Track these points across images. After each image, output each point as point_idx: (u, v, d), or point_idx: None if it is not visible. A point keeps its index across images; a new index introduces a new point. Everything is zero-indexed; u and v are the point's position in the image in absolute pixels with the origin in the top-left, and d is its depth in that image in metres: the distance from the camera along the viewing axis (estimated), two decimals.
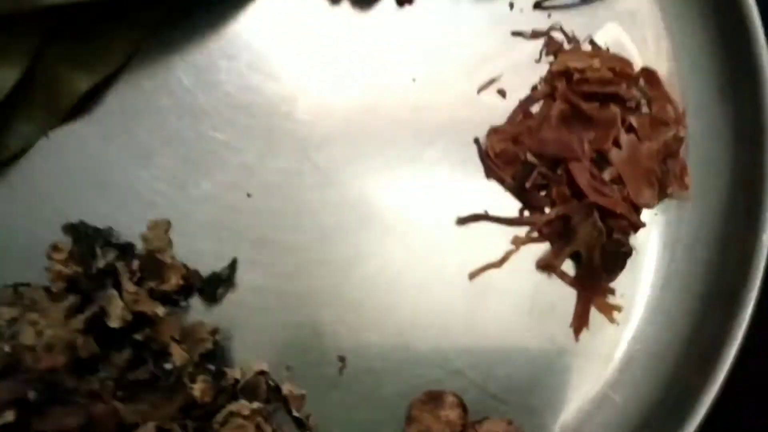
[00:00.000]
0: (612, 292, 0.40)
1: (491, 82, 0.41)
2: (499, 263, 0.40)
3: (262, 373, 0.37)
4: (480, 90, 0.41)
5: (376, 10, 0.42)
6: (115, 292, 0.35)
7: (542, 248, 0.40)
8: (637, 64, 0.42)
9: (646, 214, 0.41)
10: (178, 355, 0.35)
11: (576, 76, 0.40)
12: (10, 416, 0.32)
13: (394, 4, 0.42)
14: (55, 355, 0.34)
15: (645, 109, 0.41)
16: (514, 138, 0.40)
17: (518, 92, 0.41)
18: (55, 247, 0.36)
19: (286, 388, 0.37)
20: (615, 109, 0.40)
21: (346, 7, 0.42)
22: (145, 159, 0.39)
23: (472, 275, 0.40)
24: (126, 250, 0.38)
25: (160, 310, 0.36)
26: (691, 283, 0.40)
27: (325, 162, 0.40)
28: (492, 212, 0.40)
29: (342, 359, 0.38)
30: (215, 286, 0.38)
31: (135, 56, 0.40)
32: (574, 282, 0.40)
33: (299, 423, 0.37)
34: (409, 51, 0.41)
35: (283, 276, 0.39)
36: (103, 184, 0.39)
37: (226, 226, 0.39)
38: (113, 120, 0.39)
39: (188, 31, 0.40)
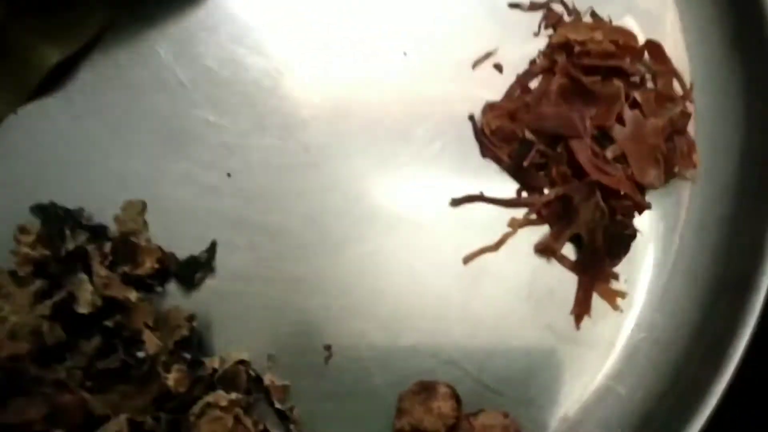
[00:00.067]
0: (615, 277, 0.40)
1: (487, 55, 0.41)
2: (495, 247, 0.39)
3: (242, 362, 0.36)
4: (475, 64, 0.41)
5: None
6: (85, 277, 0.35)
7: (541, 231, 0.40)
8: (641, 36, 0.41)
9: (651, 195, 0.40)
10: (151, 342, 0.34)
11: (577, 48, 0.40)
12: None
13: None
14: (19, 342, 0.33)
15: (650, 85, 0.41)
16: (512, 114, 0.40)
17: (516, 66, 0.41)
18: (22, 229, 0.35)
19: (268, 379, 0.36)
20: (618, 84, 0.40)
21: None
22: (120, 137, 0.38)
23: (467, 260, 0.39)
24: (98, 232, 0.37)
25: (133, 295, 0.35)
26: (699, 267, 0.40)
27: (311, 140, 0.39)
28: (488, 193, 0.40)
29: (328, 348, 0.37)
30: (193, 270, 0.37)
31: (110, 28, 0.39)
32: (574, 266, 0.39)
33: (282, 415, 0.36)
34: (400, 23, 0.41)
35: (265, 260, 0.38)
36: (74, 164, 0.38)
37: (205, 207, 0.38)
38: (86, 96, 0.39)
39: (166, 1, 0.39)
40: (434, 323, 0.38)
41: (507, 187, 0.40)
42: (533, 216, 0.39)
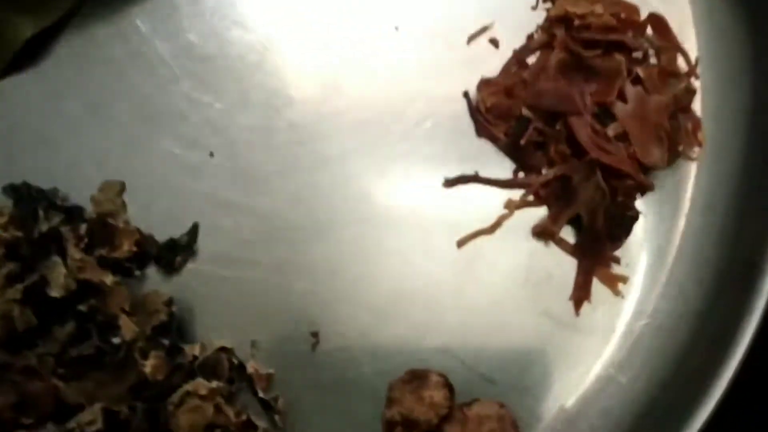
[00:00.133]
0: (616, 260, 0.39)
1: (483, 30, 0.40)
2: (491, 229, 0.39)
3: (224, 349, 0.35)
4: (470, 39, 0.40)
5: None
6: (58, 259, 0.34)
7: (539, 213, 0.39)
8: (646, 9, 0.40)
9: (654, 175, 0.39)
10: (128, 327, 0.33)
11: (576, 22, 0.39)
12: None
13: None
14: None
15: (653, 60, 0.40)
16: (508, 91, 0.39)
17: (512, 41, 0.40)
18: None
19: (251, 367, 0.36)
20: (620, 59, 0.39)
21: None
22: (97, 114, 0.38)
23: (461, 243, 0.38)
24: (73, 213, 0.36)
25: (108, 279, 0.34)
26: (704, 250, 0.39)
27: (297, 118, 0.39)
28: (483, 173, 0.39)
29: (315, 335, 0.37)
30: (173, 253, 0.37)
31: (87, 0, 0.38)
32: (573, 250, 0.39)
33: (266, 405, 0.35)
34: None
35: (249, 243, 0.37)
36: (49, 142, 0.37)
37: (186, 187, 0.38)
38: (62, 71, 0.38)
39: None
40: (426, 309, 0.38)
41: (503, 166, 0.39)
42: (530, 197, 0.39)
